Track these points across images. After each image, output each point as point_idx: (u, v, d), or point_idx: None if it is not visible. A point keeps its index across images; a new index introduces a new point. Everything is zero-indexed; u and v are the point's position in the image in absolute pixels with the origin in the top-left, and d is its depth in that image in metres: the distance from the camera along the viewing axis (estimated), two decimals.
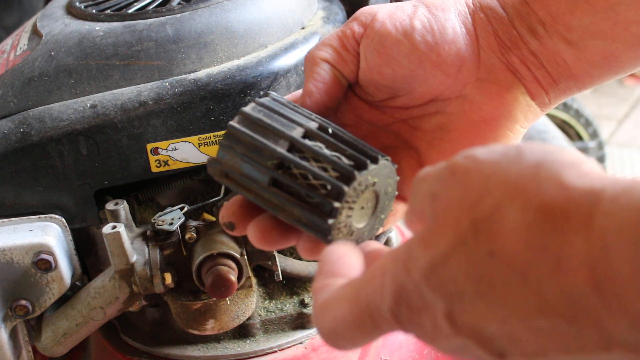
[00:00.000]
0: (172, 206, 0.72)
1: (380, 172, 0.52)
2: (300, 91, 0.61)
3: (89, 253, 0.77)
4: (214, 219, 0.73)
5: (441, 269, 0.37)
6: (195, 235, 0.71)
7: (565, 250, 0.34)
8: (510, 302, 0.35)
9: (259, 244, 0.55)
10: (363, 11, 0.59)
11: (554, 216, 0.34)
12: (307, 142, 0.52)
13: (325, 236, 0.51)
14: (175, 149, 0.70)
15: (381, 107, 0.61)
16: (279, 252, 0.77)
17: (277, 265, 0.74)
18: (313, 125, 0.54)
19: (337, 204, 0.50)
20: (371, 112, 0.61)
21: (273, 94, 0.57)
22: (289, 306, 0.79)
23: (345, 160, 0.51)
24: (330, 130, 0.54)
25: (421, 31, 0.56)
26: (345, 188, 0.50)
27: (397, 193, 0.56)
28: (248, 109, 0.55)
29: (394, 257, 0.40)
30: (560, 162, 0.36)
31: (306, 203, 0.51)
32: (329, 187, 0.50)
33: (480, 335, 0.37)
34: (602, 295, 0.33)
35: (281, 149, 0.52)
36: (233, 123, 0.54)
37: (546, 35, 0.56)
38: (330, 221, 0.50)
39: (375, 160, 0.51)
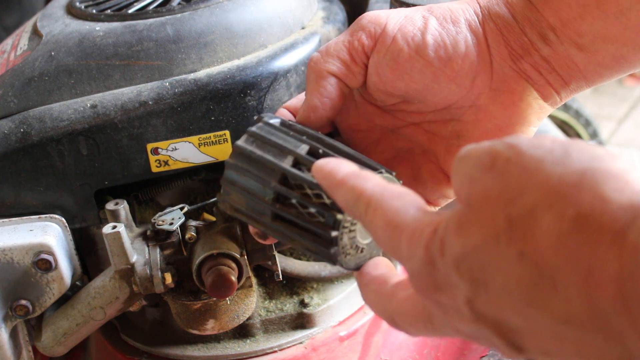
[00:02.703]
0: (172, 206, 0.72)
1: None
2: (302, 95, 0.61)
3: (89, 253, 0.77)
4: (214, 219, 0.73)
5: (472, 258, 0.37)
6: (195, 235, 0.71)
7: (596, 264, 0.33)
8: (536, 303, 0.35)
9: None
10: (370, 20, 0.57)
11: (589, 228, 0.34)
12: (298, 172, 0.52)
13: (333, 263, 0.51)
14: (175, 149, 0.70)
15: (392, 111, 0.60)
16: (279, 252, 0.77)
17: (277, 265, 0.74)
18: (303, 150, 0.53)
19: (334, 233, 0.49)
20: (382, 116, 0.61)
21: (266, 117, 0.56)
22: (289, 306, 0.79)
23: None
24: (321, 152, 0.53)
25: (434, 46, 0.55)
26: (339, 216, 0.49)
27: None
28: (241, 142, 0.55)
29: (434, 229, 0.40)
30: (606, 171, 0.35)
31: (309, 233, 0.51)
32: (324, 217, 0.50)
33: (500, 326, 0.38)
34: (629, 313, 0.32)
35: (274, 182, 0.52)
36: (229, 159, 0.55)
37: (557, 40, 0.55)
38: (333, 249, 0.50)
39: None
